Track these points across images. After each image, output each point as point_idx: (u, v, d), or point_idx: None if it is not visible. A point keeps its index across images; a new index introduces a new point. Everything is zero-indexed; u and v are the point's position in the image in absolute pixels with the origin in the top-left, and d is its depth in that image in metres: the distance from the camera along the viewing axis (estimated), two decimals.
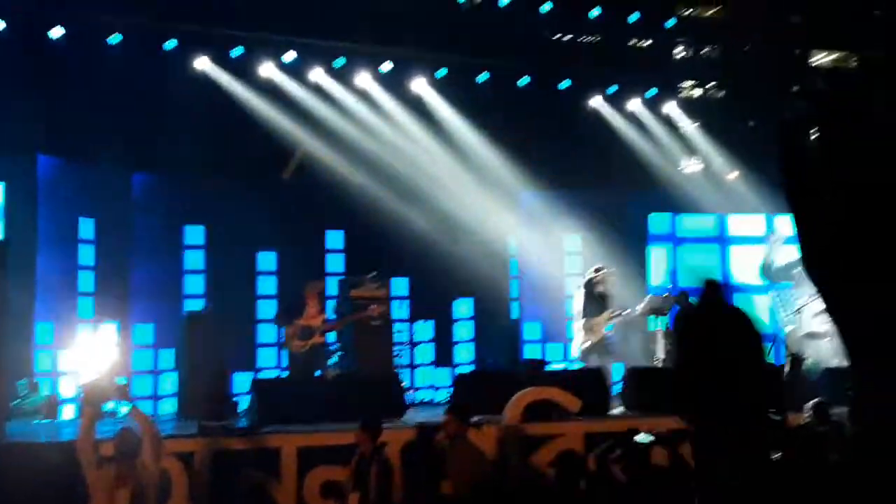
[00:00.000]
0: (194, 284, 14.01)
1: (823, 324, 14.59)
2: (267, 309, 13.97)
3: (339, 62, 15.51)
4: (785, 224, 13.80)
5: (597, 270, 13.25)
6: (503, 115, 16.13)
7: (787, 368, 11.93)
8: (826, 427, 8.41)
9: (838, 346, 14.41)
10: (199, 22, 14.56)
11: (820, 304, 14.23)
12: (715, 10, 23.18)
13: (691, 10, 22.60)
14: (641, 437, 7.78)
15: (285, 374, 12.44)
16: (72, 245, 12.96)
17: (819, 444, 7.83)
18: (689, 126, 18.25)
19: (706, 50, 23.59)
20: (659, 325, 13.47)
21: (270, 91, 14.93)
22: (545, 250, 15.39)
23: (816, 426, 8.54)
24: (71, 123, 13.34)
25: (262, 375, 13.44)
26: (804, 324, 13.80)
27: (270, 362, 13.92)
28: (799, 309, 13.75)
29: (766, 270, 13.06)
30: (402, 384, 11.53)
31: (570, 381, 10.93)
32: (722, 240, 17.44)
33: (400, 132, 15.69)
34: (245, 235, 14.19)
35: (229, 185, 14.41)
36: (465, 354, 15.49)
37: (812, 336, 14.42)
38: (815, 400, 9.11)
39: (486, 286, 15.32)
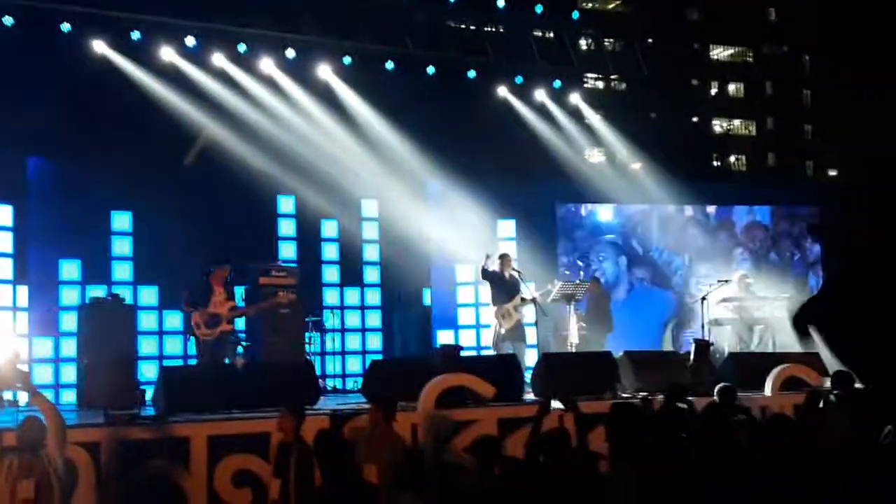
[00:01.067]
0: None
1: (727, 311, 14.93)
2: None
3: (242, 48, 15.19)
4: None
5: (500, 258, 13.26)
6: (411, 104, 16.03)
7: (692, 354, 12.09)
8: (733, 412, 8.51)
9: (739, 332, 14.81)
10: (95, 5, 14.14)
11: (724, 292, 14.62)
12: (617, 3, 23.57)
13: (594, 3, 22.94)
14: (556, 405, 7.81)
15: (193, 362, 12.09)
16: None
17: (728, 427, 7.94)
18: (593, 117, 18.42)
19: (609, 43, 23.99)
20: (571, 310, 13.55)
21: (172, 77, 14.54)
22: (456, 238, 15.32)
23: (724, 410, 8.64)
24: None
25: (169, 363, 13.06)
26: (709, 311, 14.03)
27: (177, 350, 13.54)
28: (704, 297, 13.97)
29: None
30: (314, 371, 11.31)
31: (485, 368, 10.86)
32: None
33: (306, 120, 15.47)
34: (147, 222, 13.78)
35: (129, 170, 13.96)
36: (375, 342, 15.35)
37: (716, 322, 14.71)
38: (721, 385, 9.23)
39: (398, 274, 15.22)
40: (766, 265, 18.25)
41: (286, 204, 15.20)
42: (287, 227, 15.17)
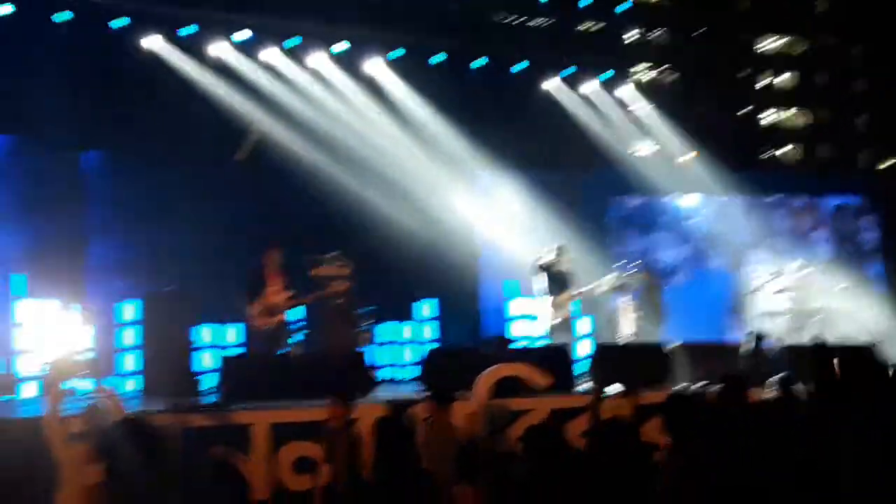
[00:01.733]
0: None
1: (782, 302, 14.80)
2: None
3: (293, 42, 15.31)
4: None
5: (556, 251, 13.25)
6: (459, 98, 16.07)
7: (749, 345, 12.00)
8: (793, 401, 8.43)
9: (795, 323, 14.69)
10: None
11: (778, 283, 14.52)
12: None
13: None
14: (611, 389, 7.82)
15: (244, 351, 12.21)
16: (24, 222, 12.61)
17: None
18: (642, 109, 18.33)
19: (657, 34, 23.84)
20: (623, 301, 13.51)
21: (223, 71, 14.67)
22: (505, 230, 15.33)
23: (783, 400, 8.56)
24: (19, 102, 12.98)
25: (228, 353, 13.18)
26: (763, 302, 13.93)
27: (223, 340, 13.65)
28: (757, 288, 13.87)
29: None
30: (367, 362, 11.37)
31: (536, 358, 10.88)
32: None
33: (355, 113, 15.56)
34: (201, 215, 13.91)
35: (183, 165, 14.14)
36: (428, 332, 15.40)
37: (771, 314, 14.60)
38: (781, 374, 9.12)
39: (449, 264, 15.25)
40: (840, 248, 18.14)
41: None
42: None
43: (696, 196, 17.76)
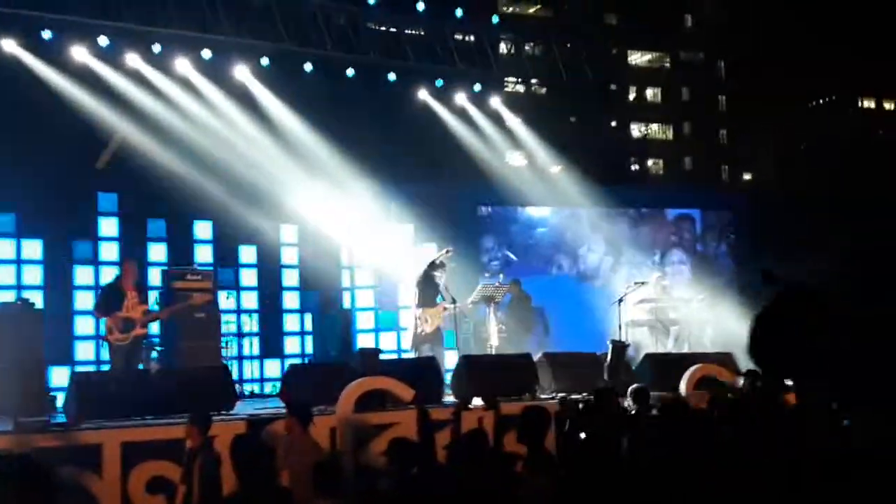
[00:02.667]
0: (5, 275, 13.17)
1: (644, 312, 15.14)
2: (85, 300, 13.28)
3: (157, 48, 14.94)
4: None
5: (441, 253, 13.25)
6: (332, 107, 15.94)
7: (609, 354, 12.21)
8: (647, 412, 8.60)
9: (655, 333, 15.04)
10: (5, 3, 13.79)
11: (641, 294, 14.82)
12: (537, 8, 23.73)
13: (514, 7, 23.08)
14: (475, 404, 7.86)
15: (106, 367, 11.82)
16: None
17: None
18: (513, 120, 18.52)
19: (529, 47, 24.17)
20: (491, 312, 13.60)
21: (84, 77, 14.23)
22: (376, 241, 15.26)
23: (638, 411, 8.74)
24: None
25: (81, 369, 12.75)
26: (626, 312, 14.20)
27: (89, 356, 13.23)
28: (621, 298, 14.11)
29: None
30: (231, 375, 11.15)
31: (405, 370, 10.84)
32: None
33: (224, 121, 15.25)
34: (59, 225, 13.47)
35: (42, 173, 13.66)
36: (294, 345, 15.21)
37: (634, 323, 14.90)
38: (635, 385, 9.31)
39: (318, 276, 15.09)
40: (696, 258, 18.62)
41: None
42: (203, 231, 14.90)
43: (550, 208, 18.07)
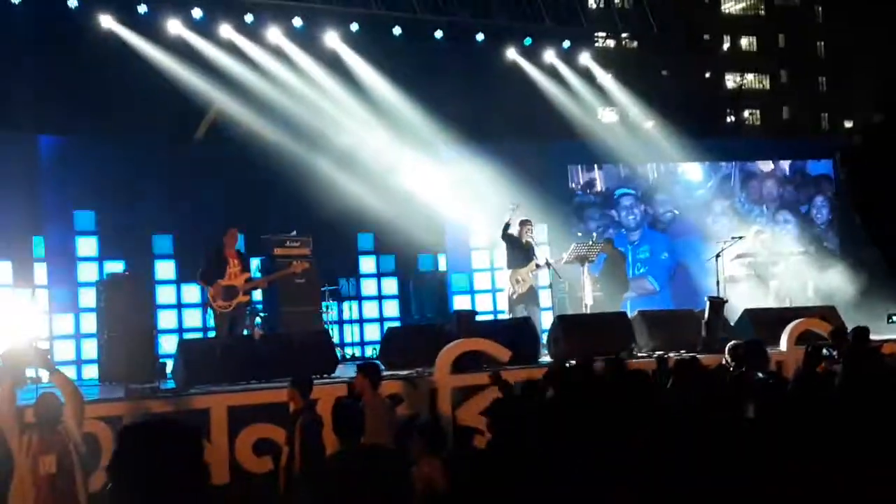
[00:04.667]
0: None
1: (742, 267, 14.90)
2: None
3: (249, 18, 15.16)
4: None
5: (521, 223, 13.25)
6: (420, 70, 15.98)
7: (706, 311, 12.05)
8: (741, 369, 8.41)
9: (754, 288, 14.79)
10: None
11: (738, 249, 14.58)
12: None
13: None
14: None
15: (212, 334, 12.16)
16: None
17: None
18: (604, 76, 18.29)
19: (618, 1, 23.77)
20: (585, 271, 13.54)
21: (180, 50, 14.52)
22: (469, 203, 15.29)
23: (731, 368, 8.58)
24: None
25: (188, 336, 13.16)
26: (724, 268, 13.99)
27: (196, 323, 13.64)
28: (718, 254, 13.89)
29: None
30: (332, 340, 11.37)
31: (501, 332, 10.91)
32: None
33: (316, 89, 15.44)
34: (160, 198, 13.86)
35: (141, 146, 14.07)
36: (391, 309, 15.41)
37: (731, 280, 14.68)
38: (732, 342, 9.11)
39: (412, 240, 15.20)
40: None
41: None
42: None
43: (657, 164, 17.74)
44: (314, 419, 7.91)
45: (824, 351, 8.88)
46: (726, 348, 8.97)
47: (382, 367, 8.94)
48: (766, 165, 18.33)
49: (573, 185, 17.39)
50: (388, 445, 7.39)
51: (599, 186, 17.55)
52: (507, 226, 13.09)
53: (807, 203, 18.35)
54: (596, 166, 17.48)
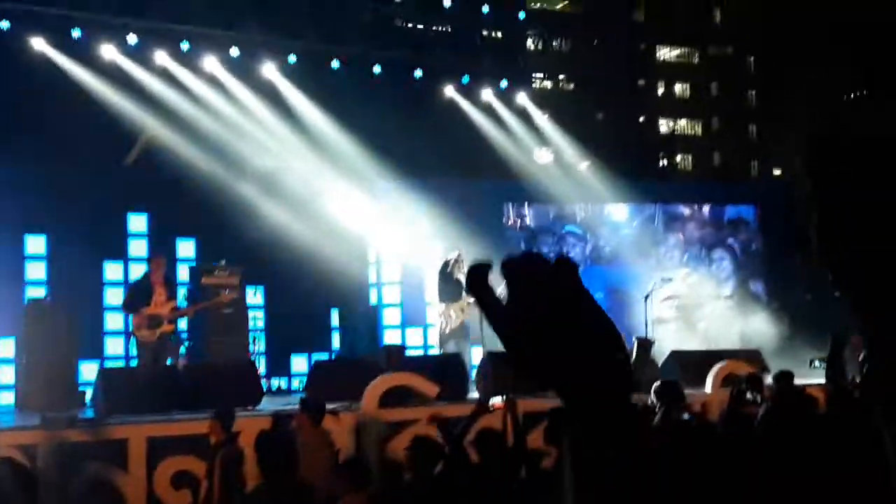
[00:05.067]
0: (36, 270, 13.32)
1: (670, 309, 15.08)
2: (115, 296, 13.42)
3: (185, 46, 15.07)
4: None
5: (456, 257, 13.28)
6: (358, 104, 15.97)
7: (634, 352, 12.14)
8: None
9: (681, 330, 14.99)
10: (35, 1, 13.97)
11: (666, 291, 14.78)
12: (564, 3, 23.66)
13: (542, 3, 23.02)
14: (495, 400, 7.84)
15: (134, 363, 11.94)
16: None
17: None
18: (540, 117, 18.47)
19: (556, 43, 24.13)
20: None
21: (113, 75, 14.37)
22: (402, 237, 15.28)
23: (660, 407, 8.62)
24: None
25: (110, 364, 12.89)
26: (652, 308, 14.14)
27: (119, 351, 13.37)
28: (647, 294, 14.05)
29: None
30: (258, 371, 11.24)
31: (430, 367, 10.88)
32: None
33: (252, 119, 15.35)
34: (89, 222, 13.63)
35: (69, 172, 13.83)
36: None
37: (660, 320, 14.85)
38: (657, 383, 9.15)
39: (343, 273, 15.12)
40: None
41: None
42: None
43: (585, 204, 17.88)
44: (235, 453, 7.78)
45: (748, 395, 8.97)
46: (652, 389, 9.02)
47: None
48: (688, 208, 18.55)
49: (506, 221, 17.44)
50: (324, 483, 7.25)
51: (530, 223, 17.63)
52: (445, 264, 13.12)
53: (720, 246, 18.48)
54: (527, 204, 17.53)
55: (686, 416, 8.41)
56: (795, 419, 7.50)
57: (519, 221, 17.59)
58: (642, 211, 18.22)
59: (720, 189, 22.70)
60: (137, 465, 8.29)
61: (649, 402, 8.98)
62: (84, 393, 10.89)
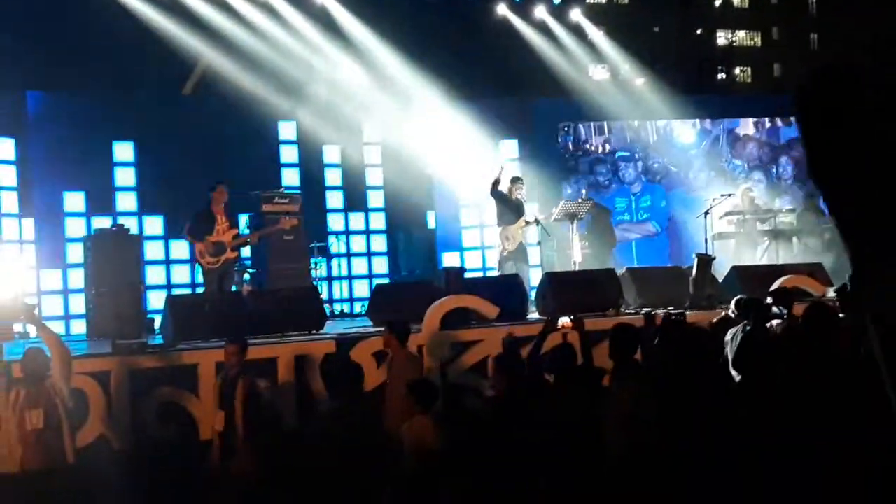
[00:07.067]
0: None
1: (730, 224, 14.92)
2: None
3: None
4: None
5: (511, 180, 13.25)
6: (411, 25, 15.87)
7: (694, 268, 12.05)
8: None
9: (743, 244, 14.81)
10: None
11: (726, 206, 14.59)
12: None
13: None
14: (563, 319, 7.90)
15: (200, 290, 12.17)
16: None
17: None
18: (595, 33, 18.18)
19: None
20: (574, 228, 13.56)
21: (168, 5, 14.40)
22: (458, 160, 15.26)
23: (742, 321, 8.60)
24: None
25: (176, 292, 13.17)
26: (712, 225, 13.99)
27: (185, 279, 13.65)
28: (707, 210, 13.88)
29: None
30: (319, 296, 11.38)
31: (489, 288, 10.92)
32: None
33: (303, 43, 15.32)
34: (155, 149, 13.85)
35: (130, 101, 14.00)
36: (381, 266, 15.44)
37: (720, 236, 14.70)
38: (739, 296, 9.12)
39: (400, 196, 15.20)
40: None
41: (287, 130, 15.12)
42: (289, 154, 15.14)
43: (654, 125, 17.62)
44: (254, 384, 7.82)
45: (774, 308, 8.93)
46: (733, 301, 9.01)
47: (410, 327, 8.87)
48: (748, 128, 18.19)
49: (567, 145, 17.26)
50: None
51: (594, 146, 17.44)
52: (496, 182, 13.08)
53: (784, 157, 18.16)
54: (593, 126, 17.32)
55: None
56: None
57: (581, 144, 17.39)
58: (707, 133, 17.89)
59: (782, 102, 22.21)
60: (207, 390, 8.48)
61: (730, 313, 9.00)
62: (153, 320, 11.13)
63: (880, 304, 2.40)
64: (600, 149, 17.22)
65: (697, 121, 17.76)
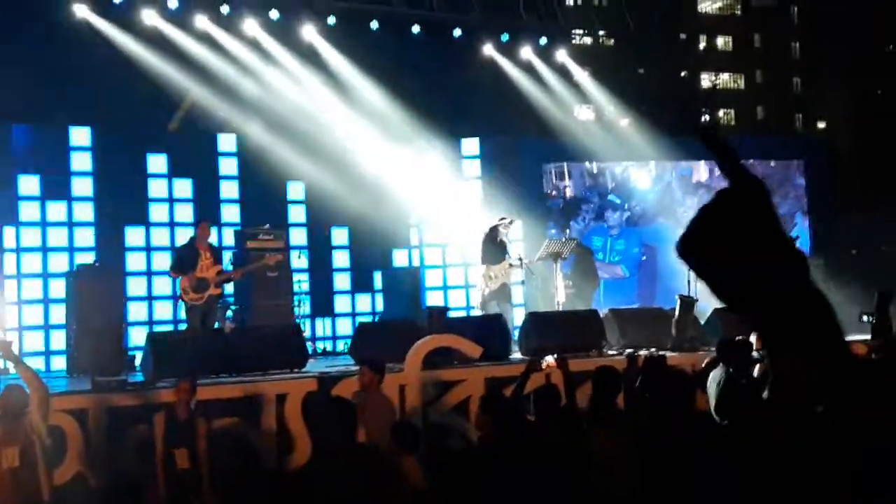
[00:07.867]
0: (83, 237, 13.52)
1: None
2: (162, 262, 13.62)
3: (225, 9, 15.08)
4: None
5: (500, 219, 13.31)
6: (398, 64, 15.94)
7: (677, 310, 12.08)
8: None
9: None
10: None
11: None
12: None
13: None
14: (547, 359, 7.88)
15: (183, 326, 12.12)
16: None
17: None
18: (580, 73, 18.31)
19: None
20: (557, 268, 13.58)
21: (155, 40, 14.43)
22: (443, 197, 15.29)
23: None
24: None
25: (158, 329, 13.10)
26: None
27: (167, 316, 13.59)
28: None
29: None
30: (302, 334, 11.35)
31: (472, 328, 10.92)
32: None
33: (292, 81, 15.37)
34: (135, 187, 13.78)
35: (114, 136, 13.98)
36: (364, 304, 15.43)
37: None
38: (720, 339, 9.10)
39: (385, 234, 15.20)
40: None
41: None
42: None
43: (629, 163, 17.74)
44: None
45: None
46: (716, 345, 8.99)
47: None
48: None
49: (548, 191, 17.39)
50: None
51: (570, 193, 17.60)
52: (493, 228, 13.17)
53: (781, 198, 18.32)
54: (566, 172, 17.47)
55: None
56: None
57: (556, 190, 17.51)
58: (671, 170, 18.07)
59: (763, 143, 22.40)
60: None
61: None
62: (133, 357, 11.07)
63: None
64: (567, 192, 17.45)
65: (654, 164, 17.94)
